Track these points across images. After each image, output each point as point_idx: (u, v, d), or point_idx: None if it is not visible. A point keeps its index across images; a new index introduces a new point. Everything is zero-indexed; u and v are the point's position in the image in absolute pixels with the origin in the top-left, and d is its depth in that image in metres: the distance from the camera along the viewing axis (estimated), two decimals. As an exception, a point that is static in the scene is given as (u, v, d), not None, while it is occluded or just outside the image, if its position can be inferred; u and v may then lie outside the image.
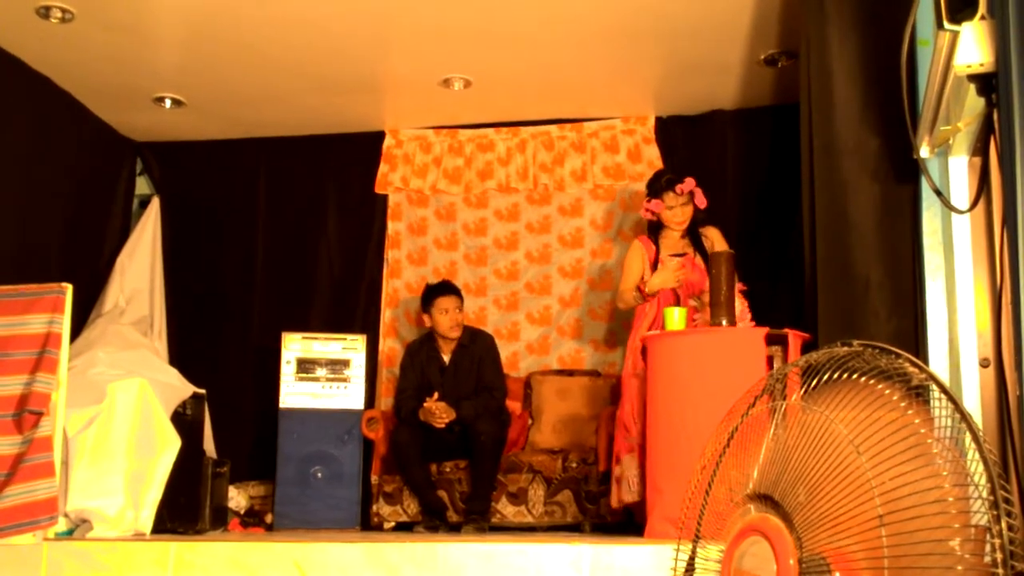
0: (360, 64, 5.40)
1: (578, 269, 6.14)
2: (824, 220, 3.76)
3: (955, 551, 1.57)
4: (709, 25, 4.91)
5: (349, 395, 5.50)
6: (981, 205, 2.75)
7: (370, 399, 5.83)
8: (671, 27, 4.94)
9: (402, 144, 6.32)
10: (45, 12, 4.71)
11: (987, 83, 2.24)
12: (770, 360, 3.80)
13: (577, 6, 4.75)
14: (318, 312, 6.22)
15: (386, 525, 5.32)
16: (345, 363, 5.53)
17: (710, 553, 2.11)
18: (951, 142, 2.87)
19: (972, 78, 2.27)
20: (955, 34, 2.21)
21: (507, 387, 5.54)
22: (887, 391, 1.72)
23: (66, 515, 3.84)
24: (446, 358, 5.43)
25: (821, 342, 3.59)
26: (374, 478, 5.43)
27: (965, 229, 2.96)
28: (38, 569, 3.29)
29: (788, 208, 5.28)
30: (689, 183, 4.65)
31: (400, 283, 6.29)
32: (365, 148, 6.31)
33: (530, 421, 5.69)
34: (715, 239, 4.72)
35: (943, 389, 1.66)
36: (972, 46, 2.20)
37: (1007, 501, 1.52)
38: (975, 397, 2.85)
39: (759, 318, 4.08)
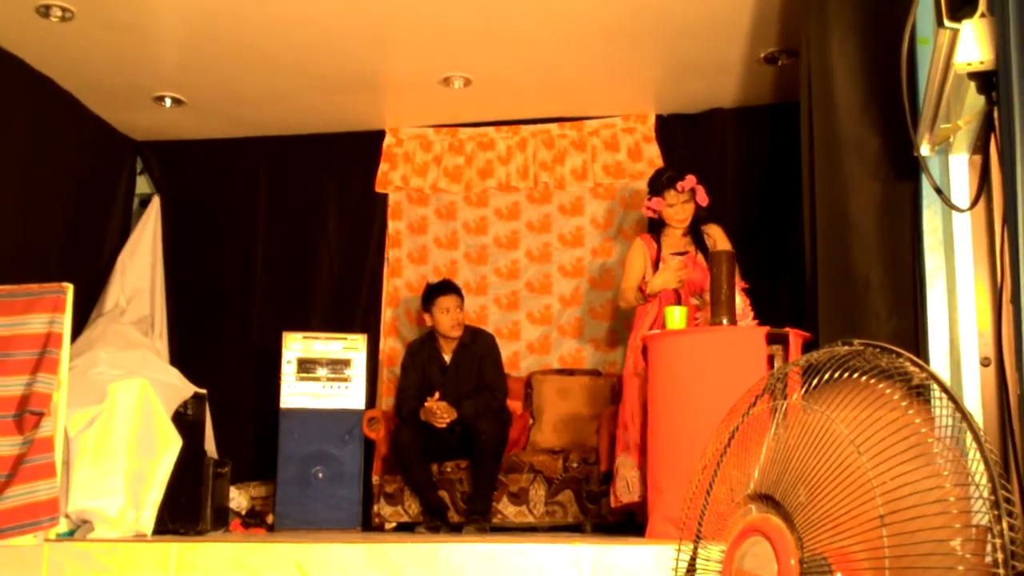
0: (360, 63, 5.40)
1: (579, 268, 6.14)
2: (824, 219, 3.75)
3: (956, 551, 1.57)
4: (709, 24, 4.91)
5: (350, 395, 5.49)
6: (982, 203, 2.75)
7: (371, 399, 5.83)
8: (671, 26, 4.94)
9: (402, 143, 6.32)
10: (45, 11, 4.71)
11: (987, 81, 2.24)
12: (771, 359, 3.79)
13: (577, 5, 4.75)
14: (318, 311, 6.22)
15: (387, 525, 5.31)
16: (346, 363, 5.52)
17: (711, 553, 2.11)
18: (951, 140, 2.87)
19: (972, 76, 2.27)
20: (955, 32, 2.21)
21: (508, 387, 5.53)
22: (888, 390, 1.72)
23: (67, 516, 3.84)
24: (447, 357, 5.43)
25: (822, 341, 3.59)
26: (375, 478, 5.43)
27: (966, 227, 2.96)
28: (39, 570, 3.30)
29: (788, 207, 5.28)
30: (690, 180, 4.64)
31: (400, 282, 6.29)
32: (365, 147, 6.31)
33: (531, 421, 5.69)
34: (717, 237, 4.71)
35: (944, 388, 1.66)
36: (972, 44, 2.20)
37: (1008, 501, 1.52)
38: (976, 396, 2.84)
39: (759, 317, 4.08)
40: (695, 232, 4.72)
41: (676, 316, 4.06)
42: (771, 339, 3.80)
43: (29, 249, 5.33)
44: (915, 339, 3.33)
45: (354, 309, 6.21)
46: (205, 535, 4.50)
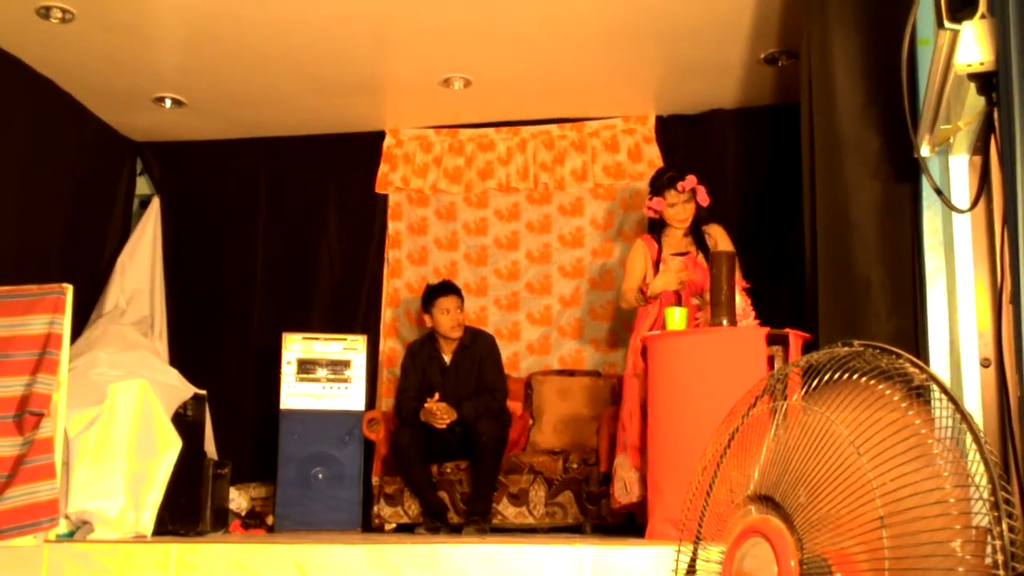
0: (360, 64, 5.40)
1: (579, 269, 6.14)
2: (825, 219, 3.75)
3: (956, 552, 1.56)
4: (709, 25, 4.91)
5: (350, 396, 5.49)
6: (982, 204, 2.75)
7: (371, 400, 5.83)
8: (671, 27, 4.94)
9: (402, 144, 6.32)
10: (45, 12, 4.71)
11: (987, 82, 2.24)
12: (771, 360, 3.79)
13: (577, 6, 4.75)
14: (318, 312, 6.22)
15: (387, 526, 5.31)
16: (346, 364, 5.52)
17: (711, 554, 2.11)
18: (951, 141, 2.87)
19: (972, 77, 2.27)
20: (955, 33, 2.21)
21: (508, 387, 5.53)
22: (888, 391, 1.72)
23: (67, 517, 3.84)
24: (447, 358, 5.42)
25: (822, 342, 3.59)
26: (375, 479, 5.42)
27: (966, 228, 2.96)
28: (39, 571, 3.30)
29: (789, 207, 5.27)
30: (691, 180, 4.63)
31: (400, 283, 6.29)
32: (365, 148, 6.31)
33: (531, 422, 5.69)
34: (719, 237, 4.70)
35: (944, 389, 1.66)
36: (972, 45, 2.20)
37: (1008, 502, 1.52)
38: (976, 397, 2.84)
39: (760, 317, 4.08)
40: (696, 232, 4.72)
41: (676, 317, 4.06)
42: (771, 340, 3.80)
43: (29, 250, 5.33)
44: (915, 340, 3.33)
45: (354, 310, 6.21)
46: (205, 536, 4.50)
